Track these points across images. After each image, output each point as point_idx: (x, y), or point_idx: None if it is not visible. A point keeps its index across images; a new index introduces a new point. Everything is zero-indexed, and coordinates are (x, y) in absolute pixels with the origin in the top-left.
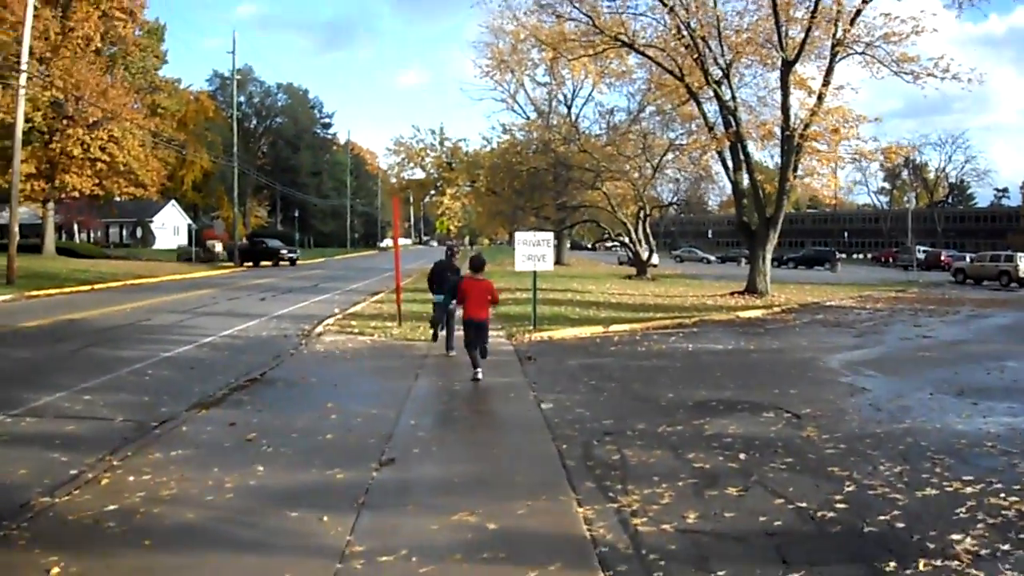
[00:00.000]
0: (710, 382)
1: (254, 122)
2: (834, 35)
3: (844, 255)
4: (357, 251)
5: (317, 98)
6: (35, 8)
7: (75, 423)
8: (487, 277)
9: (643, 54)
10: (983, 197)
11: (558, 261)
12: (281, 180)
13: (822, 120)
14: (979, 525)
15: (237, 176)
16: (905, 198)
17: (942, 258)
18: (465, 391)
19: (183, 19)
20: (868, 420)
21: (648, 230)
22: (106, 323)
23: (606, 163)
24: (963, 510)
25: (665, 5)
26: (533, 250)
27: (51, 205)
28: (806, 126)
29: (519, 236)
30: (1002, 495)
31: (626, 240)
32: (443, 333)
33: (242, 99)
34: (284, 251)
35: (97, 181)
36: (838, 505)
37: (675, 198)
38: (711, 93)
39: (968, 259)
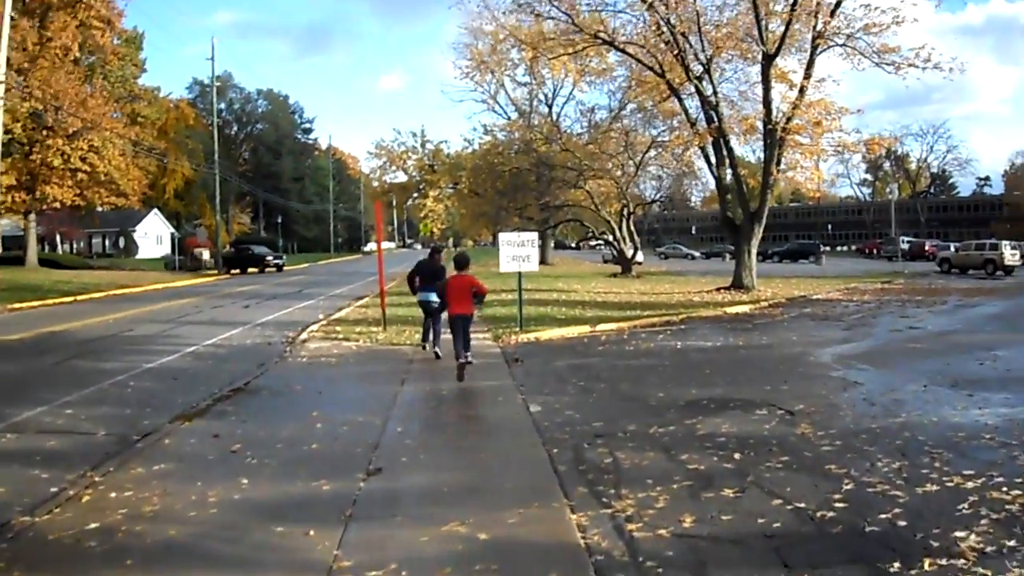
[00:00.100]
0: (700, 380)
1: (235, 129)
2: (814, 27)
3: (828, 248)
4: (341, 256)
5: (298, 103)
6: (12, 19)
7: (56, 438)
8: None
9: (623, 51)
10: (965, 186)
11: (543, 261)
12: (263, 186)
13: (804, 113)
14: (983, 521)
15: (219, 183)
16: (888, 189)
17: (926, 248)
18: (452, 395)
19: (161, 27)
20: (862, 415)
21: (632, 228)
22: (89, 335)
23: (588, 162)
24: (965, 506)
25: (644, 1)
26: (517, 250)
27: (33, 217)
28: (788, 119)
29: (503, 237)
30: (1004, 489)
31: (610, 238)
32: (431, 338)
33: (222, 106)
34: (270, 257)
35: (78, 191)
36: (837, 504)
37: (658, 195)
38: (692, 89)
39: (953, 248)
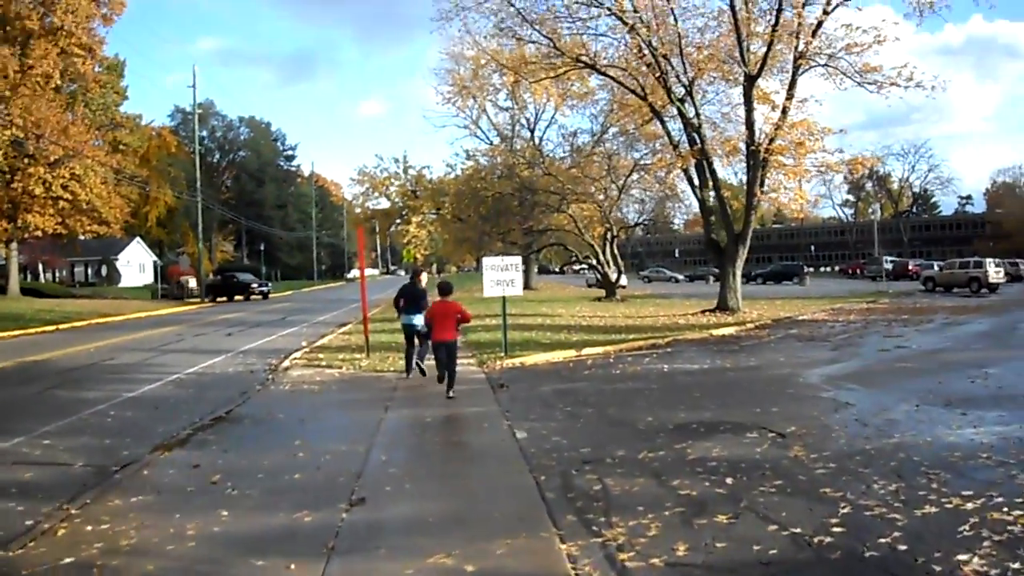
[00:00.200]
0: (688, 403)
1: (217, 156)
2: (796, 48)
3: (812, 269)
4: (324, 283)
5: (280, 131)
6: None
7: (33, 470)
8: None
9: (605, 74)
10: (947, 205)
11: (526, 286)
12: (246, 214)
13: (787, 134)
14: (985, 543)
15: (201, 211)
16: (870, 209)
17: (910, 267)
18: (437, 422)
19: (143, 55)
20: (856, 436)
21: (616, 251)
22: (70, 364)
23: (571, 186)
24: (966, 527)
25: (626, 24)
26: (501, 275)
27: (14, 245)
28: (771, 140)
29: (487, 261)
30: (1005, 509)
31: (594, 262)
32: (415, 360)
33: (204, 134)
34: (255, 285)
35: (60, 220)
36: (835, 529)
37: (641, 218)
38: (675, 111)
39: (937, 267)
